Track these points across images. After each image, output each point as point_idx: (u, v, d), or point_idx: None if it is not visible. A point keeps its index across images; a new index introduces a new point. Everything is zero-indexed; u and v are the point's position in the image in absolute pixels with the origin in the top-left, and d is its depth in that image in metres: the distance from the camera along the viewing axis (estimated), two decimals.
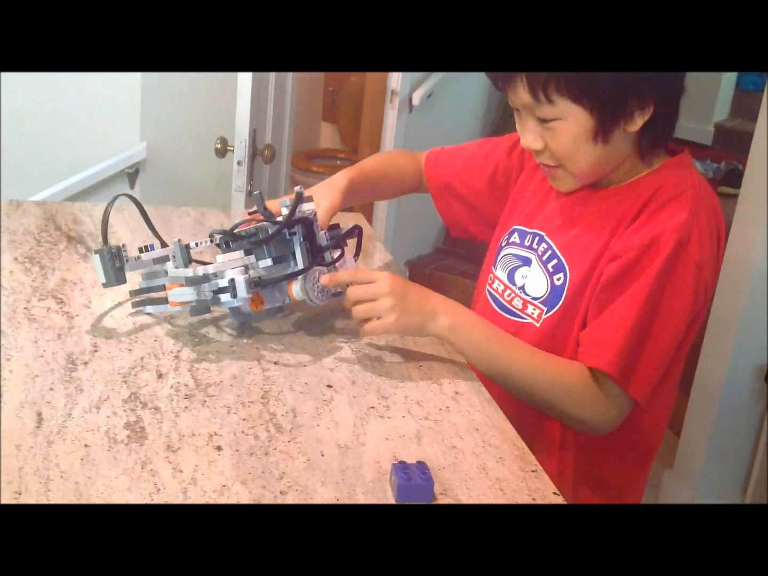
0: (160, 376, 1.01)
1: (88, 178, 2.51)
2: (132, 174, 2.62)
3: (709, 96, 4.78)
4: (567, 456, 1.20)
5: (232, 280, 1.05)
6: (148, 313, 1.14)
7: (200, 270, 1.07)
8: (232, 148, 2.31)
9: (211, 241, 1.15)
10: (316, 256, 1.12)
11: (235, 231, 1.13)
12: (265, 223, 1.11)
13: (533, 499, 0.86)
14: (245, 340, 1.11)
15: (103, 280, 1.12)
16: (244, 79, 2.23)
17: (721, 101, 4.85)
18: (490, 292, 1.26)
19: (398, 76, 3.11)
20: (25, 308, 1.12)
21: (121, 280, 1.13)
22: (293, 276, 1.09)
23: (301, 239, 1.11)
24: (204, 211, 1.56)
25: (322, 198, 1.20)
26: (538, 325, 1.17)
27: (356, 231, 1.21)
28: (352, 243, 1.23)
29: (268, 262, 1.10)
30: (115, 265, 1.12)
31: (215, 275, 1.06)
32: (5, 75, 2.53)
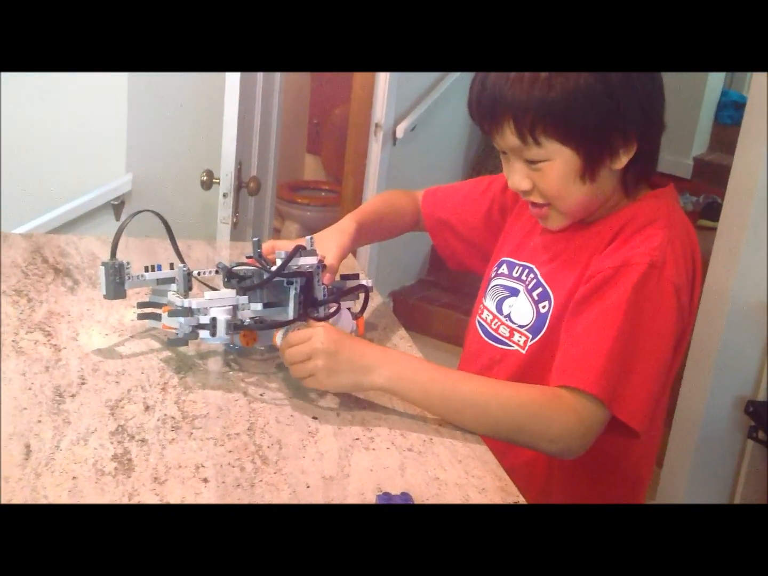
0: (147, 408, 1.02)
1: (73, 210, 2.53)
2: (117, 206, 2.63)
3: (688, 130, 4.86)
4: (553, 492, 1.21)
5: (213, 319, 1.07)
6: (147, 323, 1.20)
7: (187, 302, 1.09)
8: (217, 181, 2.33)
9: (216, 272, 1.17)
10: (308, 308, 1.14)
11: (235, 270, 1.14)
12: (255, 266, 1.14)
13: None
14: (231, 372, 1.13)
15: (104, 292, 1.15)
16: (230, 112, 2.26)
17: (700, 135, 4.93)
18: (479, 321, 1.29)
19: (382, 108, 3.16)
20: (13, 341, 1.13)
21: (120, 294, 1.16)
22: (278, 325, 1.11)
23: (297, 290, 1.12)
24: (189, 243, 1.58)
25: (333, 243, 1.23)
26: (523, 351, 1.19)
27: (360, 290, 1.23)
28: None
29: (259, 306, 1.12)
30: (116, 280, 1.14)
31: (199, 310, 1.08)
32: None
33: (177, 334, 1.10)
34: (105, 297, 1.15)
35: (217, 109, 2.30)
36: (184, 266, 1.16)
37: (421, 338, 3.59)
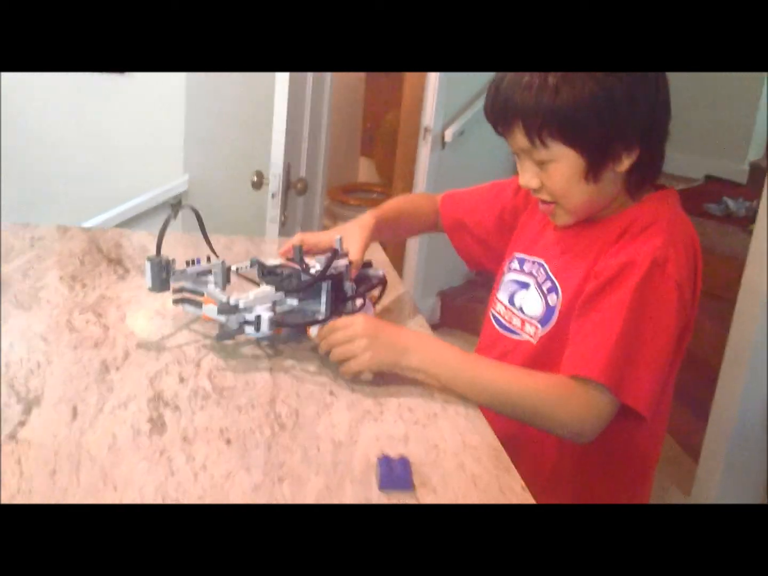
0: (182, 380, 1.14)
1: (134, 208, 2.68)
2: (174, 205, 2.78)
3: (744, 135, 4.85)
4: (563, 476, 1.29)
5: (258, 317, 1.18)
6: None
7: (233, 300, 1.18)
8: (267, 181, 2.46)
9: (251, 266, 1.28)
10: (339, 305, 1.24)
11: (273, 268, 1.26)
12: (294, 265, 1.25)
13: (503, 493, 0.97)
14: (260, 353, 1.24)
15: (150, 285, 1.25)
16: (280, 115, 2.38)
17: (756, 140, 4.91)
18: (493, 314, 1.38)
19: (431, 112, 3.25)
20: (67, 320, 1.27)
21: (165, 288, 1.26)
22: (314, 323, 1.22)
23: (329, 289, 1.23)
24: (233, 239, 1.70)
25: (355, 238, 1.34)
26: (534, 342, 1.28)
27: (382, 282, 1.34)
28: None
29: (295, 302, 1.23)
30: (162, 275, 1.25)
31: (245, 309, 1.18)
32: (53, 111, 2.72)
33: (222, 326, 1.20)
34: (150, 290, 1.26)
35: (269, 113, 2.42)
36: (223, 261, 1.26)
37: (469, 337, 3.67)
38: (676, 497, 2.65)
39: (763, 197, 2.44)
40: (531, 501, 0.96)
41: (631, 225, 1.21)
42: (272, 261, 1.29)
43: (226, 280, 1.27)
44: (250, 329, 1.19)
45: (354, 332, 1.17)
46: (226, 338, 1.21)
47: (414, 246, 3.45)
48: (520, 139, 1.19)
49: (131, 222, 2.67)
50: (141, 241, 1.63)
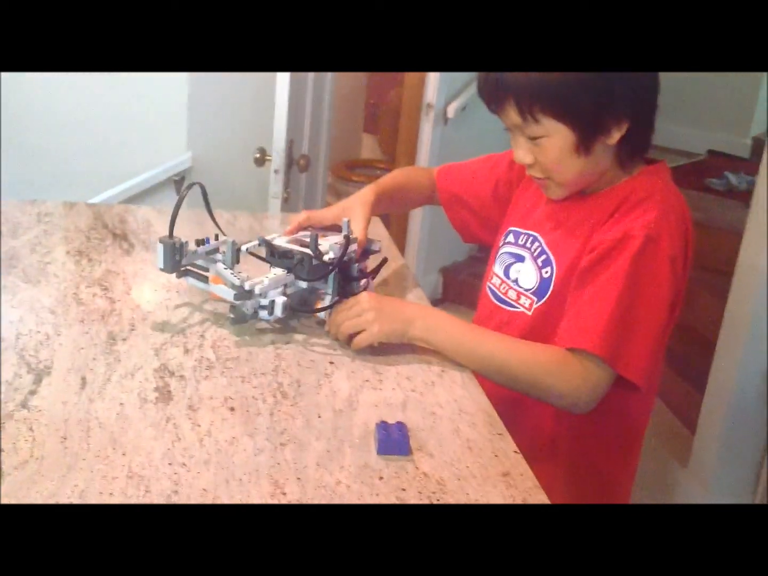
0: (186, 351, 1.17)
1: (138, 185, 2.70)
2: (178, 182, 2.80)
3: (747, 110, 4.85)
4: (560, 444, 1.32)
5: (272, 301, 1.21)
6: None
7: (248, 285, 1.21)
8: (270, 158, 2.48)
9: (259, 245, 1.30)
10: (346, 286, 1.28)
11: (284, 251, 1.27)
12: (307, 251, 1.26)
13: (497, 456, 1.00)
14: (263, 325, 1.27)
15: (161, 266, 1.24)
16: (282, 93, 2.40)
17: (759, 115, 4.91)
18: (489, 287, 1.41)
19: (434, 89, 3.27)
20: (74, 293, 1.30)
21: (176, 269, 1.26)
22: (325, 309, 1.26)
23: (336, 271, 1.26)
24: (236, 214, 1.73)
25: (358, 216, 1.37)
26: (529, 313, 1.31)
27: (383, 260, 1.37)
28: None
29: (304, 285, 1.26)
30: (175, 257, 1.25)
31: (260, 294, 1.21)
32: (57, 89, 2.74)
33: (235, 309, 1.23)
34: (161, 270, 1.25)
35: (271, 90, 2.44)
36: (233, 241, 1.27)
37: (471, 313, 3.69)
38: (672, 469, 2.68)
39: (761, 172, 2.45)
40: (523, 465, 1.00)
41: (625, 199, 1.24)
42: (279, 240, 1.31)
43: (236, 260, 1.29)
44: (264, 313, 1.22)
45: (360, 308, 1.21)
46: (241, 322, 1.24)
47: (416, 222, 3.48)
48: (513, 115, 1.22)
49: (135, 199, 2.70)
50: (145, 216, 1.66)
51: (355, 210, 1.39)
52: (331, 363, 1.18)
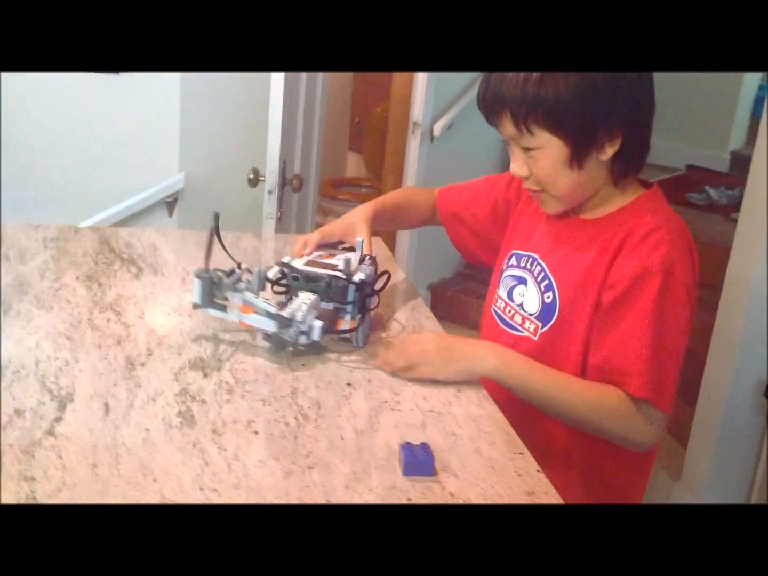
0: (205, 375, 1.18)
1: (130, 207, 2.71)
2: (171, 203, 2.82)
3: (725, 124, 4.92)
4: (574, 456, 1.34)
5: (310, 326, 1.22)
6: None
7: (287, 313, 1.21)
8: (263, 178, 2.50)
9: (283, 275, 1.30)
10: (363, 303, 1.30)
11: (307, 273, 1.29)
12: (336, 273, 1.28)
13: (519, 475, 1.02)
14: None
15: (198, 301, 1.24)
16: (275, 112, 2.42)
17: (737, 129, 4.99)
18: (494, 310, 1.43)
19: (420, 107, 3.30)
20: (89, 319, 1.31)
21: (211, 303, 1.26)
22: (352, 331, 1.28)
23: (356, 289, 1.28)
24: (239, 235, 1.74)
25: (362, 230, 1.40)
26: (535, 338, 1.33)
27: (388, 277, 1.40)
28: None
29: (330, 305, 1.28)
30: (212, 291, 1.25)
31: (301, 321, 1.21)
32: (46, 108, 2.74)
33: (272, 336, 1.23)
34: (195, 306, 1.25)
35: (263, 110, 2.46)
36: (259, 269, 1.27)
37: (459, 329, 3.73)
38: (665, 482, 2.71)
39: (750, 184, 2.49)
40: (546, 483, 1.01)
41: (631, 231, 1.25)
42: (296, 262, 1.32)
43: (261, 287, 1.28)
44: (303, 338, 1.23)
45: (428, 346, 1.23)
46: (280, 349, 1.25)
47: (404, 239, 3.50)
48: (509, 127, 1.25)
49: (129, 221, 2.70)
50: (150, 239, 1.67)
51: (358, 226, 1.42)
52: (349, 384, 1.20)
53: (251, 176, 2.49)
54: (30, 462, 0.95)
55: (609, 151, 1.24)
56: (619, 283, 1.23)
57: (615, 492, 1.36)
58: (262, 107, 2.47)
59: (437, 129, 3.38)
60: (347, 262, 1.30)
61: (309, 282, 1.28)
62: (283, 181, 2.53)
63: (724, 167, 4.92)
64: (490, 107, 1.27)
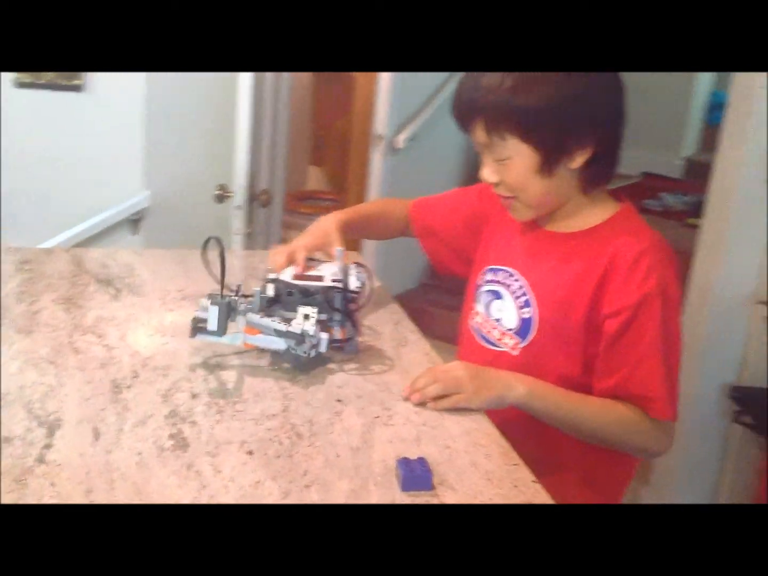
0: (193, 396, 1.17)
1: (95, 225, 2.68)
2: (135, 221, 2.79)
3: (678, 131, 5.02)
4: (568, 459, 1.35)
5: (319, 339, 1.23)
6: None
7: (297, 329, 1.21)
8: (231, 194, 2.49)
9: (290, 294, 1.29)
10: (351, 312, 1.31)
11: (301, 287, 1.29)
12: (333, 284, 1.30)
13: (516, 486, 1.03)
14: (263, 365, 1.27)
15: (215, 329, 1.22)
16: (242, 129, 2.42)
17: (690, 136, 5.08)
18: (473, 326, 1.43)
19: (383, 120, 3.31)
20: (69, 342, 1.29)
21: (225, 331, 1.24)
22: (350, 339, 1.31)
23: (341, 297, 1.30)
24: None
25: (336, 239, 1.42)
26: (515, 353, 1.34)
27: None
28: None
29: (324, 316, 1.28)
30: (229, 316, 1.22)
31: (313, 336, 1.22)
32: (7, 126, 2.70)
33: (287, 354, 1.24)
34: (212, 333, 1.22)
35: (228, 125, 2.45)
36: (258, 290, 1.27)
37: (427, 341, 3.73)
38: (634, 486, 2.74)
39: (713, 189, 2.53)
40: (544, 494, 1.02)
41: (617, 255, 1.26)
42: (283, 277, 1.32)
43: (264, 307, 1.27)
44: (313, 351, 1.23)
45: (460, 374, 1.22)
46: (304, 365, 1.26)
47: (369, 251, 3.50)
48: (481, 134, 1.26)
49: (93, 240, 2.67)
50: (125, 259, 1.65)
51: (333, 237, 1.44)
52: (339, 401, 1.19)
53: (218, 192, 2.48)
54: (23, 490, 0.93)
55: (579, 160, 1.25)
56: (623, 311, 1.24)
57: (605, 496, 1.37)
58: (227, 123, 2.46)
59: (400, 141, 3.39)
60: (340, 271, 1.32)
61: (306, 296, 1.28)
62: (252, 197, 2.52)
63: (678, 173, 5.01)
64: (464, 115, 1.28)
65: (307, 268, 1.36)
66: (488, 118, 1.24)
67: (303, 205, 4.10)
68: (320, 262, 1.40)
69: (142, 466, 1.00)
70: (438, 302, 3.74)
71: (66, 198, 2.76)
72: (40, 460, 0.99)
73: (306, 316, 1.25)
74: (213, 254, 1.26)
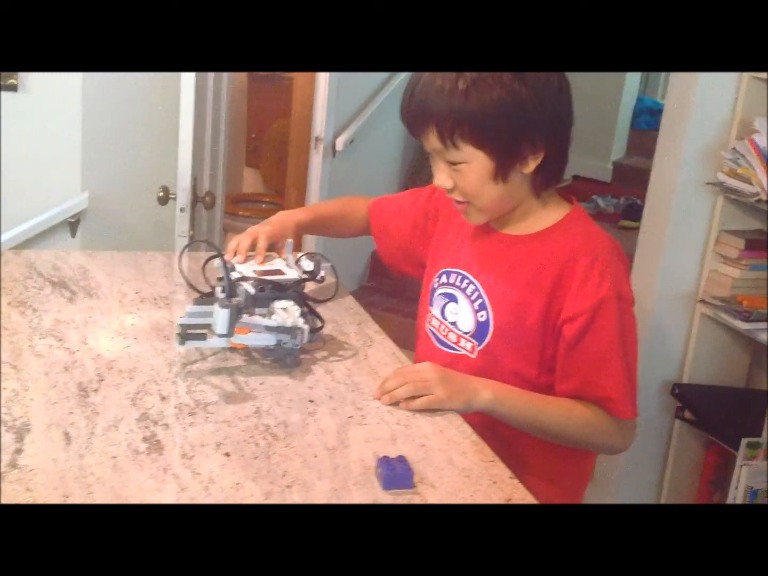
0: (163, 398, 1.15)
1: (32, 229, 2.61)
2: (73, 223, 2.72)
3: (607, 136, 5.12)
4: (534, 459, 1.34)
5: (302, 330, 1.26)
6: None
7: (290, 323, 1.24)
8: (173, 196, 2.45)
9: (262, 290, 1.29)
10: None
11: (286, 283, 1.32)
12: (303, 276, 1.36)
13: (495, 483, 1.04)
14: (229, 366, 1.26)
15: (224, 332, 1.19)
16: (185, 130, 2.38)
17: (618, 140, 5.19)
18: (430, 330, 1.43)
19: (322, 122, 3.29)
20: (29, 346, 1.25)
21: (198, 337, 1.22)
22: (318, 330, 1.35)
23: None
24: (170, 254, 1.70)
25: (289, 233, 1.44)
26: (473, 356, 1.34)
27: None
28: None
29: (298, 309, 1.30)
30: (236, 319, 1.21)
31: (299, 328, 1.25)
32: None
33: (276, 349, 1.26)
34: (222, 336, 1.19)
35: (169, 126, 2.41)
36: (246, 288, 1.29)
37: None
38: None
39: (652, 191, 2.59)
40: (522, 489, 1.03)
41: (571, 260, 1.28)
42: (245, 270, 1.34)
43: (251, 305, 1.28)
44: (300, 343, 1.26)
45: (428, 375, 1.22)
46: (295, 361, 1.28)
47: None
48: (434, 141, 1.25)
49: (30, 243, 2.60)
50: (78, 261, 1.61)
51: (290, 229, 1.47)
52: (311, 401, 1.18)
53: (161, 194, 2.44)
54: None
55: (532, 164, 1.25)
56: (581, 315, 1.26)
57: (569, 493, 1.39)
58: (169, 122, 2.42)
59: (339, 144, 3.38)
60: (304, 263, 1.38)
61: (279, 291, 1.30)
62: (195, 199, 2.49)
63: (608, 177, 5.11)
64: (415, 121, 1.27)
65: (263, 263, 1.38)
66: (441, 125, 1.23)
67: (240, 208, 4.06)
68: (270, 256, 1.42)
69: (118, 470, 0.98)
70: (378, 304, 3.74)
71: (2, 199, 2.68)
72: (12, 465, 0.97)
73: (284, 310, 1.26)
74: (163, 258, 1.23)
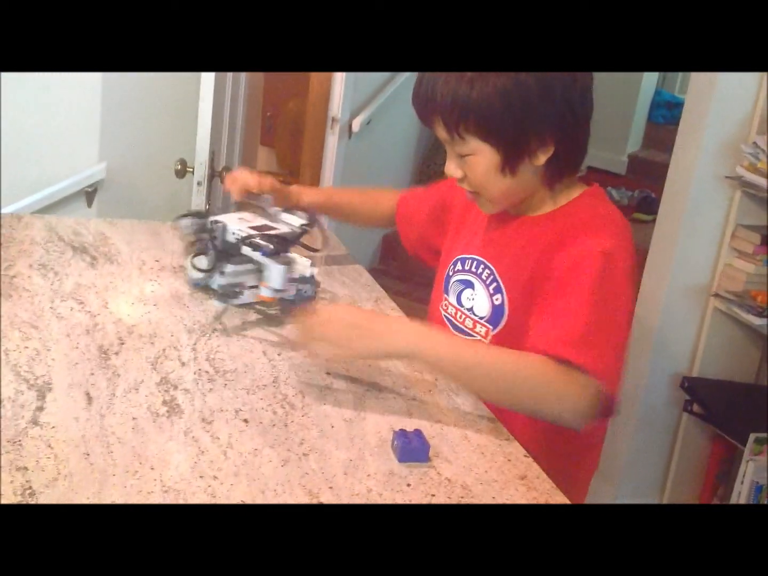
0: (183, 364, 1.16)
1: (48, 196, 2.62)
2: (90, 193, 2.73)
3: (623, 128, 5.10)
4: (531, 449, 1.35)
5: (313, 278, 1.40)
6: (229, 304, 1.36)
7: (310, 272, 1.39)
8: (191, 170, 2.45)
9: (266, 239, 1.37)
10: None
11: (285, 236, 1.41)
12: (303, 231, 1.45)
13: (509, 461, 1.05)
14: (248, 335, 1.27)
15: (282, 287, 1.32)
16: (205, 104, 2.39)
17: (634, 133, 5.18)
18: (445, 316, 1.42)
19: (338, 103, 3.30)
20: (51, 308, 1.26)
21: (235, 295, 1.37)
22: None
23: None
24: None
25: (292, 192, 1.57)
26: (487, 341, 1.34)
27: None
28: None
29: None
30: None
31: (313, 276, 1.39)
32: None
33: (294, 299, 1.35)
34: (277, 291, 1.31)
35: (189, 100, 2.42)
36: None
37: None
38: None
39: (668, 187, 2.59)
40: (536, 468, 1.04)
41: (570, 225, 1.26)
42: (240, 227, 1.40)
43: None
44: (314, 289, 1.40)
45: (332, 320, 1.16)
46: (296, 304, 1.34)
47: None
48: (441, 131, 1.24)
49: (46, 211, 2.61)
50: (98, 228, 1.62)
51: (294, 191, 1.65)
52: (328, 374, 1.19)
53: (179, 167, 2.44)
54: (19, 452, 0.92)
55: (542, 157, 1.23)
56: (558, 269, 1.21)
57: (574, 485, 1.39)
58: (189, 95, 2.43)
59: (356, 124, 3.39)
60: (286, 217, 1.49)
61: (284, 244, 1.37)
62: (212, 173, 2.49)
63: (622, 170, 5.10)
64: (423, 110, 1.26)
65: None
66: (446, 117, 1.21)
67: None
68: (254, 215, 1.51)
69: (139, 431, 0.99)
70: (387, 288, 3.70)
71: (20, 169, 2.69)
72: (34, 422, 0.98)
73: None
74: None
